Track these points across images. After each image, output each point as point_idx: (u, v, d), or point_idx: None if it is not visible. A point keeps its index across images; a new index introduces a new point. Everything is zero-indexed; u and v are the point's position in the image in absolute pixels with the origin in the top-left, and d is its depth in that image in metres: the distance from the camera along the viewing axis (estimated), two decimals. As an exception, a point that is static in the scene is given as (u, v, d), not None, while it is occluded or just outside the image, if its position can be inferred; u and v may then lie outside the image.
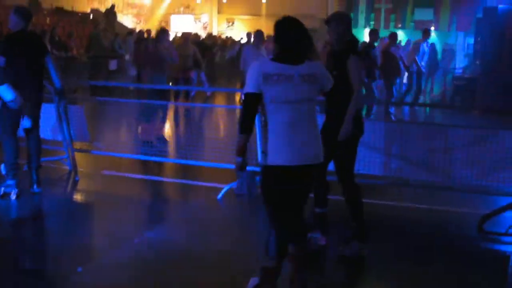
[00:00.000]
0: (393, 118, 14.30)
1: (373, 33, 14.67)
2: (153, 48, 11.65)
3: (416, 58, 16.67)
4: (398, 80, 16.54)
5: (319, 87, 4.61)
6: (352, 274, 5.75)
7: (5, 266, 5.50)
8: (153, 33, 31.85)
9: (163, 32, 12.03)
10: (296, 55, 4.49)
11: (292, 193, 4.59)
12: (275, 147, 4.44)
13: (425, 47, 17.22)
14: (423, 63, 17.05)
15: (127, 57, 21.63)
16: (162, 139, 10.73)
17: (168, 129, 11.72)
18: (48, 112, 8.41)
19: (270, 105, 4.43)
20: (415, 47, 17.12)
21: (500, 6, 17.06)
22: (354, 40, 5.89)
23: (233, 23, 37.51)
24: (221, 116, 14.15)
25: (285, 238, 4.63)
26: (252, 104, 4.43)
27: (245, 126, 4.45)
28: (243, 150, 4.47)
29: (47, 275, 5.41)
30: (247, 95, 4.44)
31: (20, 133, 7.52)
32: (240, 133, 4.45)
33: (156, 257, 5.78)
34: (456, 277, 5.54)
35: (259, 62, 4.61)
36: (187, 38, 15.00)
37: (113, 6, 28.50)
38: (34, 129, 7.55)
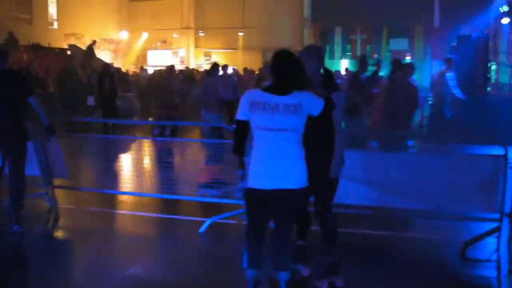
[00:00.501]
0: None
1: (363, 61, 12.92)
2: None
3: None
4: None
5: (304, 116, 4.75)
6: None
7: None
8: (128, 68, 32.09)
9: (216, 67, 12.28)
10: (284, 85, 4.73)
11: (270, 215, 4.97)
12: (254, 171, 4.79)
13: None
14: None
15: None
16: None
17: (148, 164, 11.69)
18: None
19: (255, 131, 4.77)
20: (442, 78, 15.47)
21: (474, 34, 17.45)
22: (328, 72, 5.72)
23: (210, 56, 37.66)
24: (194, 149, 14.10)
25: (255, 257, 4.98)
26: (241, 129, 4.86)
27: (237, 149, 4.99)
28: (241, 164, 5.04)
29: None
30: (237, 121, 4.85)
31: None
32: (234, 153, 5.01)
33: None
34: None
35: (250, 91, 4.98)
36: (172, 70, 15.08)
37: (94, 42, 28.55)
38: (16, 165, 7.46)
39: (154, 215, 8.70)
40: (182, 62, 36.87)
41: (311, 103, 4.81)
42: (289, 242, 5.06)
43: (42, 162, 8.63)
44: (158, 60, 35.46)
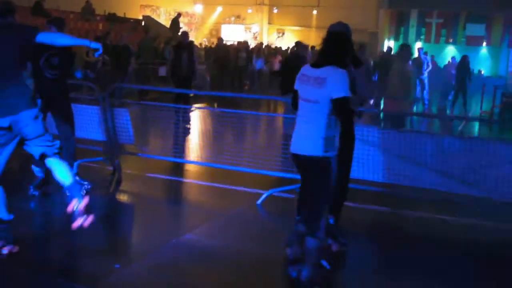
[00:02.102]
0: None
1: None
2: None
3: None
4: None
5: (326, 92, 4.86)
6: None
7: (44, 262, 5.63)
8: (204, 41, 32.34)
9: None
10: (319, 59, 5.07)
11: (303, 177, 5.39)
12: (292, 137, 5.23)
13: None
14: None
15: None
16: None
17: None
18: (93, 114, 8.64)
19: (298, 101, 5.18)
20: None
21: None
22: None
23: (283, 33, 37.62)
24: (265, 124, 14.17)
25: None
26: (294, 98, 5.30)
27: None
28: None
29: (85, 273, 5.48)
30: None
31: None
32: None
33: (192, 259, 5.86)
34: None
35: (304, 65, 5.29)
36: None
37: (179, 15, 28.82)
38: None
39: (214, 184, 8.82)
40: (254, 38, 36.96)
41: (334, 82, 4.87)
42: (316, 209, 5.20)
43: (109, 127, 8.84)
44: (231, 35, 35.64)
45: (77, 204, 5.39)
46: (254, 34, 37.74)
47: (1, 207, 5.58)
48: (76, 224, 5.38)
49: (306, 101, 5.05)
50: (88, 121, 9.00)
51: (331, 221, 6.27)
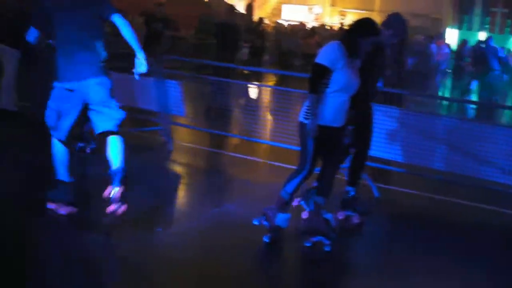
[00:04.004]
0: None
1: None
2: None
3: None
4: None
5: None
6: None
7: (84, 222, 5.91)
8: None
9: None
10: None
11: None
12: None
13: None
14: None
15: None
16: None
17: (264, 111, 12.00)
18: (147, 84, 8.94)
19: None
20: None
21: None
22: None
23: (345, 16, 37.39)
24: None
25: None
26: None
27: None
28: None
29: (126, 234, 5.70)
30: None
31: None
32: None
33: (229, 229, 6.07)
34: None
35: None
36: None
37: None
38: None
39: (260, 159, 9.04)
40: (316, 19, 36.85)
41: None
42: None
43: (161, 98, 9.13)
44: (292, 15, 35.61)
45: (114, 191, 5.62)
46: (315, 15, 37.61)
47: (63, 169, 5.86)
48: (110, 210, 5.61)
49: None
50: (142, 92, 9.29)
51: (352, 193, 6.50)
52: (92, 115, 5.73)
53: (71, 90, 5.59)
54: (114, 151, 5.70)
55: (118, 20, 5.58)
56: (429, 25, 28.56)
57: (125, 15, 5.77)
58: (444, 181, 7.77)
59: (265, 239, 5.69)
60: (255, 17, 26.15)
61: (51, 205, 5.86)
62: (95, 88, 5.59)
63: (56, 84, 5.63)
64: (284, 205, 5.73)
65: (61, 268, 5.00)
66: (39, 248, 5.33)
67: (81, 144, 8.04)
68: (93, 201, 6.28)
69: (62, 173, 5.86)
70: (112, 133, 5.71)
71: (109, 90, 5.67)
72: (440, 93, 19.74)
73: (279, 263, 5.63)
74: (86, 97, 5.64)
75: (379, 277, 5.31)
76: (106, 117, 5.69)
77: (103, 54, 5.65)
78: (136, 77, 5.72)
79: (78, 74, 5.55)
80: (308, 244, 5.66)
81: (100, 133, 5.75)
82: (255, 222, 5.86)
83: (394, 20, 6.31)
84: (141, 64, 5.67)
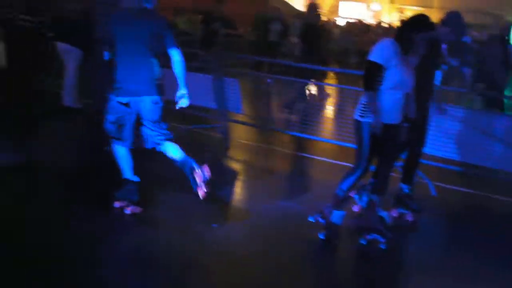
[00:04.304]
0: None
1: None
2: None
3: None
4: None
5: None
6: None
7: (147, 220, 6.08)
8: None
9: None
10: None
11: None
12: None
13: None
14: None
15: (295, 39, 22.00)
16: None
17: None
18: (205, 82, 9.06)
19: None
20: None
21: None
22: None
23: (404, 13, 36.96)
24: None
25: None
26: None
27: None
28: None
29: (185, 229, 5.85)
30: None
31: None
32: None
33: (285, 225, 6.14)
34: None
35: None
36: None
37: None
38: None
39: (318, 157, 9.06)
40: (374, 16, 36.55)
41: None
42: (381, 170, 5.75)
43: (219, 96, 9.25)
44: (350, 12, 35.40)
45: (197, 176, 5.88)
46: (374, 12, 37.30)
47: (127, 168, 6.05)
48: (201, 193, 5.93)
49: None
50: (201, 89, 9.42)
51: (406, 190, 6.51)
52: (143, 129, 5.91)
53: (126, 104, 5.78)
54: (171, 149, 5.92)
55: (175, 54, 5.77)
56: (488, 22, 27.98)
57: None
58: (502, 180, 7.68)
59: (320, 236, 5.74)
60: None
61: (117, 204, 6.04)
62: (148, 106, 5.77)
63: (111, 97, 5.81)
64: (340, 203, 5.77)
65: (124, 262, 5.15)
66: (104, 244, 5.46)
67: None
68: (155, 200, 6.46)
69: (127, 172, 6.05)
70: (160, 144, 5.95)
71: (160, 110, 5.84)
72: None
73: (334, 260, 5.66)
74: (139, 112, 5.83)
75: (433, 276, 5.29)
76: (155, 133, 5.87)
77: (158, 71, 5.80)
78: (177, 107, 5.94)
79: (134, 91, 5.73)
80: (363, 242, 5.69)
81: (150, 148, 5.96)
82: (311, 219, 5.92)
83: (453, 18, 6.28)
84: (183, 98, 5.91)
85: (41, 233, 5.42)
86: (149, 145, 5.93)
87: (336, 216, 5.75)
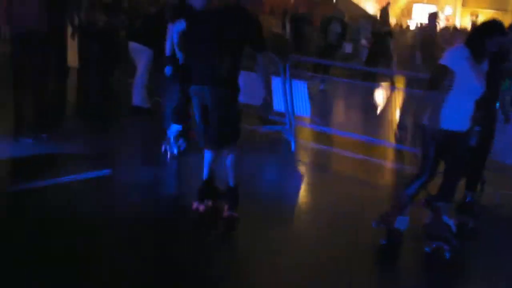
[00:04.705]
0: None
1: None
2: None
3: None
4: None
5: None
6: None
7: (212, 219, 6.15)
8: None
9: None
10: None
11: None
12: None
13: None
14: None
15: (363, 41, 21.94)
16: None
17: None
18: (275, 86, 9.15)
19: None
20: None
21: None
22: None
23: (477, 16, 36.29)
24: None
25: None
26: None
27: None
28: None
29: (248, 230, 5.88)
30: None
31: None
32: None
33: (347, 230, 6.11)
34: None
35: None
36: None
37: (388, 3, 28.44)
38: None
39: (382, 161, 9.10)
40: (447, 20, 35.99)
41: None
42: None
43: (287, 99, 9.30)
44: (423, 15, 34.93)
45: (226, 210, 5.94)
46: (446, 16, 36.72)
47: (206, 169, 6.06)
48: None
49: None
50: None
51: (469, 198, 6.46)
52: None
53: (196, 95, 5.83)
54: (230, 166, 5.92)
55: (261, 59, 5.79)
56: None
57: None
58: None
59: (383, 242, 5.74)
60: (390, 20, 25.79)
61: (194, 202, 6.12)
62: (215, 100, 5.68)
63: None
64: (404, 208, 5.75)
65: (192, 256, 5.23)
66: (174, 240, 5.58)
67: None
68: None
69: (205, 173, 6.09)
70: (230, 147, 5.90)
71: (229, 105, 5.73)
72: None
73: (396, 267, 5.65)
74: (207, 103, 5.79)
75: (496, 286, 5.23)
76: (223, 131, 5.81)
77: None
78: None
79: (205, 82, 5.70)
80: (427, 250, 5.65)
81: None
82: (374, 225, 5.91)
83: None
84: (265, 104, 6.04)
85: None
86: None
87: (400, 221, 5.73)
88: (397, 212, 5.74)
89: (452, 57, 5.39)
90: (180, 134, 7.83)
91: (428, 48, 10.93)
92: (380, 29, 17.16)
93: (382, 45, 16.63)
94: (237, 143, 5.87)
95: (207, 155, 5.98)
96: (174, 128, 7.82)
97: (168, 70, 7.22)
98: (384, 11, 26.04)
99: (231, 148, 5.85)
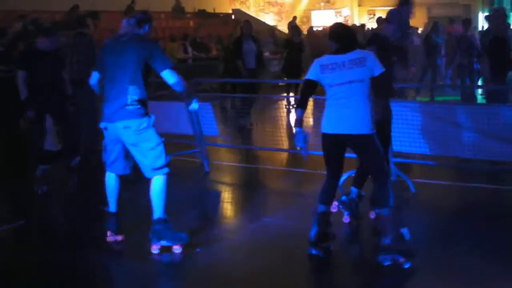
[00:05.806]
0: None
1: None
2: None
3: None
4: None
5: (369, 69, 5.38)
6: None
7: (129, 249, 6.12)
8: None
9: None
10: (347, 46, 5.47)
11: (340, 155, 5.68)
12: (325, 119, 5.54)
13: None
14: None
15: (266, 54, 22.17)
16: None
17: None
18: (179, 110, 9.17)
19: (328, 89, 5.48)
20: None
21: None
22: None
23: (374, 14, 37.21)
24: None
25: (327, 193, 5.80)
26: (308, 88, 5.60)
27: (301, 103, 5.59)
28: (299, 122, 5.57)
29: (166, 256, 5.87)
30: (305, 80, 5.62)
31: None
32: (297, 108, 5.63)
33: (269, 241, 6.16)
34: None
35: (320, 57, 5.60)
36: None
37: (295, 18, 28.81)
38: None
39: (295, 169, 9.21)
40: (346, 21, 36.77)
41: (374, 60, 5.43)
42: (382, 180, 5.46)
43: (194, 121, 9.31)
44: (321, 21, 35.61)
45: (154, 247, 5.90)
46: (344, 17, 37.56)
47: (112, 200, 6.07)
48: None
49: (338, 85, 5.39)
50: (175, 117, 9.50)
51: (356, 193, 6.54)
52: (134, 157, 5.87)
53: (106, 129, 5.82)
54: (154, 196, 5.82)
55: (167, 77, 5.69)
56: (461, 13, 28.11)
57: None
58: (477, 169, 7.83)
59: (405, 265, 5.31)
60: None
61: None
62: (121, 132, 5.69)
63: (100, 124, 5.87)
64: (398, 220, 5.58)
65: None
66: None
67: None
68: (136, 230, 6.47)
69: (111, 204, 6.08)
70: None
71: (137, 133, 5.65)
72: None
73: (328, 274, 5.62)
74: (119, 137, 5.78)
75: (437, 279, 5.15)
76: (142, 160, 5.77)
77: (140, 95, 5.70)
78: (191, 109, 6.29)
79: (110, 116, 5.70)
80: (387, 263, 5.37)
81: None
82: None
83: (395, 15, 6.45)
84: (193, 104, 6.12)
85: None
86: (144, 174, 5.84)
87: (407, 232, 5.56)
88: (398, 227, 5.52)
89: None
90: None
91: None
92: (294, 39, 17.36)
93: (296, 55, 16.83)
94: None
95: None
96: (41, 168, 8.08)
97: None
98: (294, 23, 26.51)
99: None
